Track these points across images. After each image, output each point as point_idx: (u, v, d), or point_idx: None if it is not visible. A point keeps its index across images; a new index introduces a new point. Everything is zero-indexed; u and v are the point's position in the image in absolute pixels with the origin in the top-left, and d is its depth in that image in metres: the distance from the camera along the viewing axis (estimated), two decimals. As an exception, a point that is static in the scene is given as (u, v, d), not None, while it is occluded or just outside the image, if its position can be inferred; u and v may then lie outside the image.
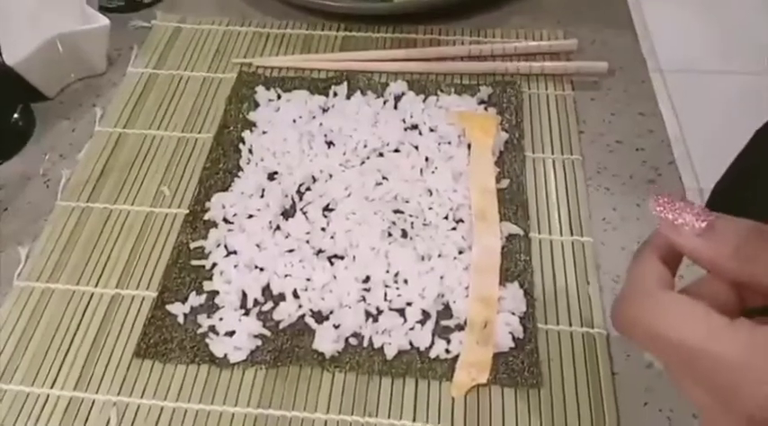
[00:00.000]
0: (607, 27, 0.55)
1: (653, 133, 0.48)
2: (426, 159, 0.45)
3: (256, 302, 0.38)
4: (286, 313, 0.38)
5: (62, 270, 0.40)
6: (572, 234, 0.41)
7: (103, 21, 0.50)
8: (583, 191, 0.44)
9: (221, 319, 0.37)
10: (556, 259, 0.40)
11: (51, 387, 0.35)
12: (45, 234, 0.42)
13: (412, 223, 0.42)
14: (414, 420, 0.34)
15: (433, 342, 0.36)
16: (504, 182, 0.44)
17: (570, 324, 0.37)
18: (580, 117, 0.49)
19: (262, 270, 0.39)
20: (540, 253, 0.40)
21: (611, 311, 0.26)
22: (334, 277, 0.39)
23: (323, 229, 0.41)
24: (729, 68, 1.27)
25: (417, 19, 0.55)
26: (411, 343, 0.36)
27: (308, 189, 0.44)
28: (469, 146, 0.45)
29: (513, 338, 0.36)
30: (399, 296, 0.38)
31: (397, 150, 0.46)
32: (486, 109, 0.48)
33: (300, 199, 0.43)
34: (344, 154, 0.46)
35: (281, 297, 0.38)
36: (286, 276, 0.39)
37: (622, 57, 0.53)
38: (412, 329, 0.37)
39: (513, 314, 0.37)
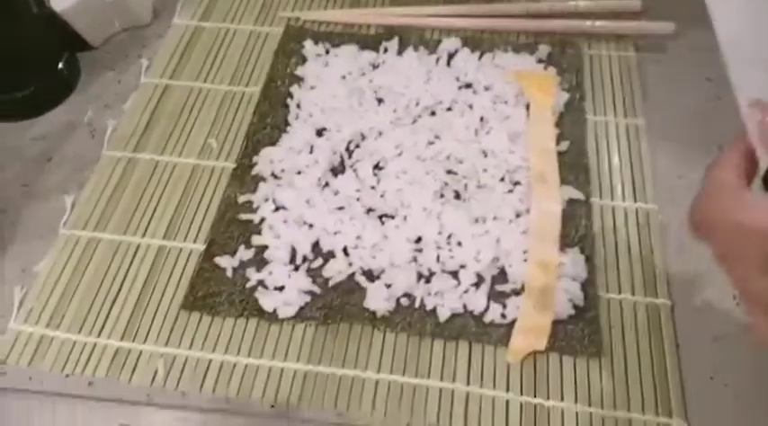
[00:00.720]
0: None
1: (720, 99, 0.45)
2: (481, 119, 0.43)
3: (305, 258, 0.37)
4: (336, 270, 0.36)
5: (108, 219, 0.40)
6: (635, 200, 0.39)
7: (150, -31, 0.49)
8: (647, 157, 0.42)
9: (270, 273, 0.36)
10: (618, 225, 0.38)
11: (98, 336, 0.35)
12: (91, 183, 0.41)
13: (466, 184, 0.40)
14: (467, 383, 0.33)
15: (488, 307, 0.35)
16: (564, 145, 0.42)
17: (633, 293, 0.36)
18: (644, 80, 0.46)
19: (311, 226, 0.38)
20: (602, 219, 0.39)
21: (690, 211, 0.26)
22: (385, 236, 0.38)
23: (372, 188, 0.40)
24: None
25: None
26: (465, 307, 0.35)
27: (358, 146, 0.42)
28: (527, 107, 0.43)
29: (574, 305, 0.35)
30: (452, 258, 0.37)
31: (450, 109, 0.44)
32: (545, 68, 0.46)
33: (350, 156, 0.42)
34: (395, 111, 0.44)
35: (331, 254, 0.37)
36: (336, 233, 0.38)
37: (689, 18, 0.50)
38: (466, 292, 0.36)
39: (574, 280, 0.35)
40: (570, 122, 0.43)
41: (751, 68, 0.28)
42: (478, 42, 0.48)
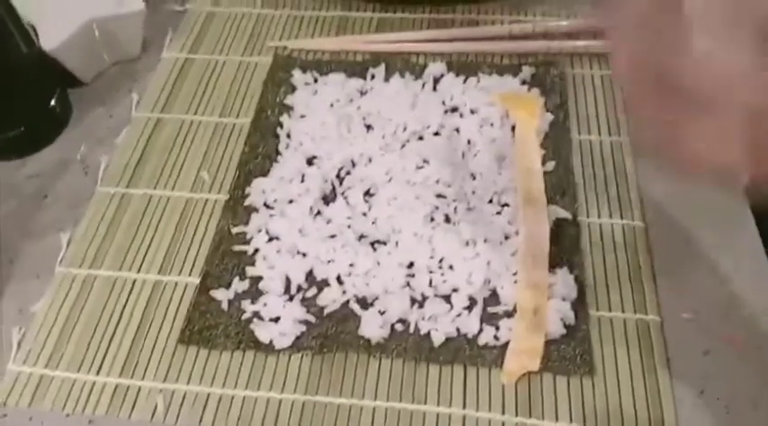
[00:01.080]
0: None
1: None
2: (468, 142, 0.44)
3: (300, 288, 0.38)
4: (330, 299, 0.37)
5: (104, 256, 0.40)
6: (622, 217, 0.40)
7: (139, 5, 0.49)
8: (632, 174, 0.42)
9: (265, 305, 0.37)
10: (606, 243, 0.39)
11: (97, 374, 0.35)
12: (85, 220, 0.42)
13: (455, 207, 0.41)
14: (463, 407, 0.33)
15: (481, 329, 0.35)
16: (550, 165, 0.42)
17: (623, 310, 0.36)
18: (626, 96, 0.47)
19: (304, 255, 0.39)
20: (590, 238, 0.39)
21: None
22: (378, 263, 0.38)
23: (364, 214, 0.41)
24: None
25: (454, -1, 0.54)
26: (458, 330, 0.36)
27: (348, 173, 0.43)
28: (513, 128, 0.44)
29: (565, 325, 0.35)
30: (445, 282, 0.37)
31: (437, 133, 0.45)
32: (528, 89, 0.47)
33: (341, 183, 0.43)
34: (384, 137, 0.45)
35: (325, 282, 0.38)
36: (329, 262, 0.38)
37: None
38: (459, 316, 0.36)
39: (564, 300, 0.36)
40: (555, 142, 0.44)
41: None
42: (463, 66, 0.49)
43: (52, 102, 0.48)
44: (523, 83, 0.47)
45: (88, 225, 0.42)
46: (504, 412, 0.33)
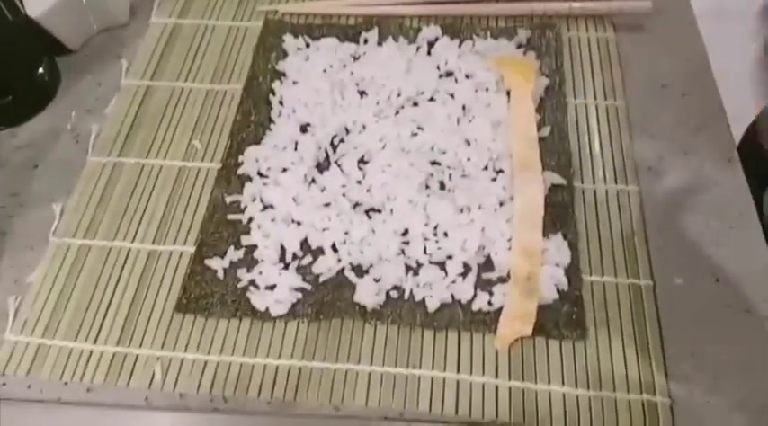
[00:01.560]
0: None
1: (699, 77, 0.46)
2: (463, 108, 0.44)
3: (295, 256, 0.38)
4: (325, 266, 0.37)
5: (97, 226, 0.40)
6: (616, 183, 0.40)
7: (125, -32, 0.48)
8: (627, 139, 0.42)
9: (261, 273, 0.37)
10: (600, 209, 0.39)
11: (94, 343, 0.36)
12: (78, 190, 0.42)
13: (450, 174, 0.41)
14: (458, 372, 0.34)
15: (475, 295, 0.36)
16: (546, 130, 0.42)
17: (615, 275, 0.37)
18: (623, 60, 0.46)
19: (299, 224, 0.39)
20: (584, 203, 0.39)
21: None
22: (373, 230, 0.38)
23: (359, 182, 0.41)
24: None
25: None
26: (453, 296, 0.36)
27: (342, 141, 0.43)
28: (508, 93, 0.44)
29: (558, 290, 0.36)
30: (439, 249, 0.37)
31: (432, 99, 0.44)
32: (524, 53, 0.46)
33: (334, 151, 0.42)
34: (378, 103, 0.44)
35: (320, 250, 0.38)
36: (324, 230, 0.38)
37: (665, -3, 0.50)
38: (453, 282, 0.36)
39: (558, 266, 0.36)
40: (551, 107, 0.43)
41: None
42: (458, 29, 0.48)
43: (40, 71, 0.47)
44: (519, 46, 0.47)
45: (81, 194, 0.41)
46: (497, 376, 0.34)
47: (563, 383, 0.33)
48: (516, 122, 0.41)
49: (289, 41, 0.48)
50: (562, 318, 0.35)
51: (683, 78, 0.45)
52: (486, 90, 0.44)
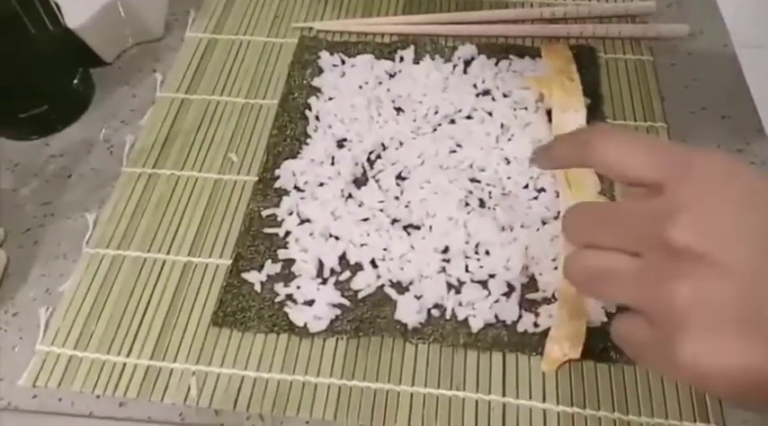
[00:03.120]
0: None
1: (738, 99, 0.45)
2: (501, 126, 0.43)
3: (333, 271, 0.37)
4: (365, 283, 0.36)
5: (132, 236, 0.39)
6: (661, 204, 0.39)
7: (163, -17, 0.48)
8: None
9: (299, 287, 0.36)
10: (645, 230, 0.38)
11: (128, 356, 0.35)
12: (112, 200, 0.41)
13: (490, 192, 0.40)
14: (503, 395, 0.33)
15: (520, 315, 0.35)
16: (586, 150, 0.42)
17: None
18: (661, 83, 0.46)
19: (337, 238, 0.38)
20: (629, 224, 0.38)
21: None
22: (412, 247, 0.37)
23: (396, 198, 0.40)
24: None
25: (483, -20, 0.53)
26: (497, 316, 0.35)
27: (379, 156, 0.42)
28: (549, 112, 0.43)
29: (606, 312, 0.35)
30: (481, 267, 0.37)
31: (469, 117, 0.44)
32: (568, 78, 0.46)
33: (371, 167, 0.42)
34: (415, 120, 0.44)
35: (359, 266, 0.37)
36: (362, 245, 0.38)
37: (701, 19, 0.50)
38: (497, 301, 0.35)
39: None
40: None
41: None
42: (493, 48, 0.48)
43: (75, 81, 0.47)
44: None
45: (115, 205, 0.41)
46: (544, 400, 0.32)
47: (614, 409, 0.32)
48: None
49: (324, 58, 0.48)
50: (611, 341, 0.34)
51: (722, 100, 0.45)
52: (525, 109, 0.44)
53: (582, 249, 0.26)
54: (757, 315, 0.22)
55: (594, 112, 0.44)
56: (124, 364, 0.34)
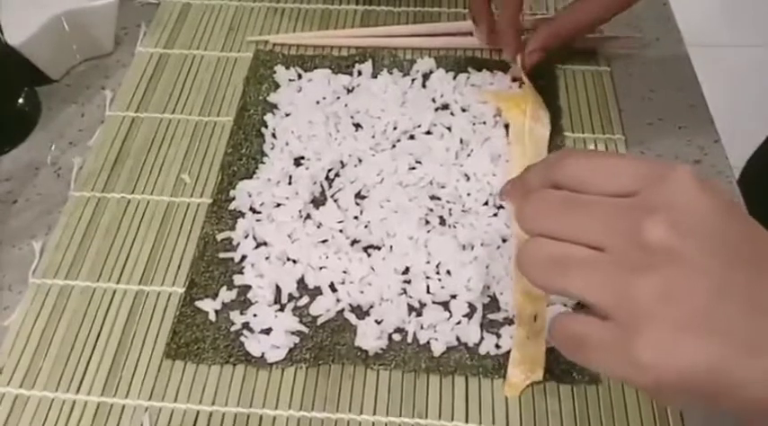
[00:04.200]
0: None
1: (695, 109, 0.46)
2: (461, 141, 0.43)
3: (291, 297, 0.36)
4: (324, 308, 0.35)
5: (80, 265, 0.38)
6: (620, 218, 0.39)
7: (111, -4, 0.47)
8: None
9: (255, 315, 0.35)
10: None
11: (77, 393, 0.33)
12: (59, 226, 0.40)
13: (450, 209, 0.39)
14: (466, 421, 0.32)
15: (482, 337, 0.34)
16: (545, 165, 0.41)
17: (624, 315, 0.35)
18: (618, 94, 0.46)
19: (295, 262, 0.37)
20: (589, 240, 0.38)
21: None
22: (372, 269, 0.37)
23: (356, 218, 0.39)
24: (742, 41, 1.24)
25: (440, -9, 0.53)
26: (458, 339, 0.34)
27: (338, 174, 0.41)
28: (507, 126, 0.43)
29: (567, 331, 0.34)
30: (443, 288, 0.36)
31: (428, 132, 0.43)
32: (519, 86, 0.45)
33: (330, 185, 0.41)
34: (373, 136, 0.43)
35: (318, 290, 0.36)
36: (321, 268, 0.37)
37: (656, 27, 0.51)
38: (458, 323, 0.35)
39: (565, 305, 0.35)
40: (550, 140, 0.43)
41: None
42: (452, 62, 0.47)
43: (20, 101, 0.45)
44: (514, 79, 0.46)
45: (63, 232, 0.39)
46: (508, 424, 0.32)
47: (577, 430, 0.32)
48: (516, 157, 0.41)
49: (280, 72, 0.47)
50: (572, 361, 0.33)
51: (679, 111, 0.45)
52: (484, 123, 0.43)
53: (538, 237, 0.25)
54: (724, 317, 0.22)
55: (552, 125, 0.43)
56: (74, 401, 0.33)
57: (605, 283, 0.23)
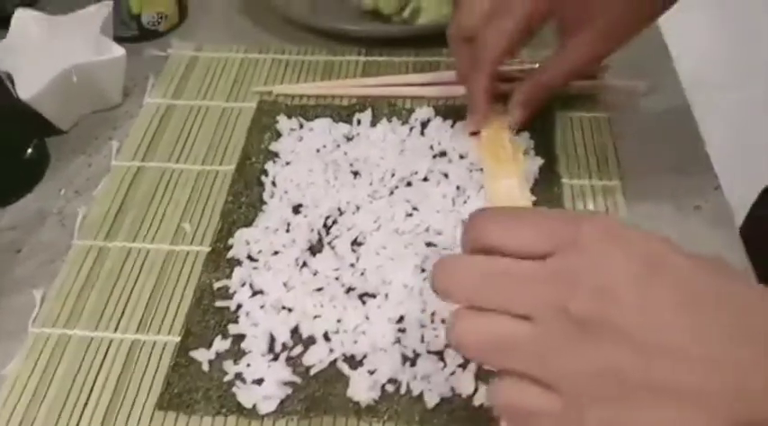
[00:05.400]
0: (639, 45, 0.53)
1: (695, 156, 0.46)
2: (458, 188, 0.43)
3: (285, 346, 0.36)
4: (317, 358, 0.35)
5: (79, 314, 0.38)
6: (618, 266, 0.39)
7: (119, 51, 0.49)
8: (626, 220, 0.41)
9: (248, 365, 0.35)
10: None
11: (69, 444, 0.33)
12: (61, 276, 0.40)
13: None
14: (459, 475, 0.31)
15: (476, 388, 0.34)
16: (542, 212, 0.41)
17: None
18: (617, 140, 0.46)
19: (290, 310, 0.37)
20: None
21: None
22: (367, 317, 0.37)
23: (352, 265, 0.39)
24: (742, 83, 1.24)
25: (440, 41, 0.53)
26: (453, 390, 0.34)
27: (335, 222, 0.42)
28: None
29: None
30: (437, 337, 0.36)
31: (425, 179, 0.44)
32: (517, 133, 0.46)
33: (327, 233, 0.41)
34: (371, 184, 0.44)
35: (311, 340, 0.36)
36: (315, 317, 0.37)
37: (656, 76, 0.51)
38: (452, 374, 0.34)
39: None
40: (546, 187, 0.43)
41: None
42: (450, 110, 0.48)
43: (29, 152, 0.46)
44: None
45: (64, 281, 0.40)
46: (502, 480, 0.31)
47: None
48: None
49: (282, 122, 0.48)
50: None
51: (679, 157, 0.45)
52: (481, 170, 0.44)
53: (466, 311, 0.25)
54: (663, 382, 0.21)
55: (549, 172, 0.44)
56: (66, 453, 0.33)
57: (546, 362, 0.23)
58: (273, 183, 0.44)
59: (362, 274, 0.39)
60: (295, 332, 0.36)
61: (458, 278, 0.25)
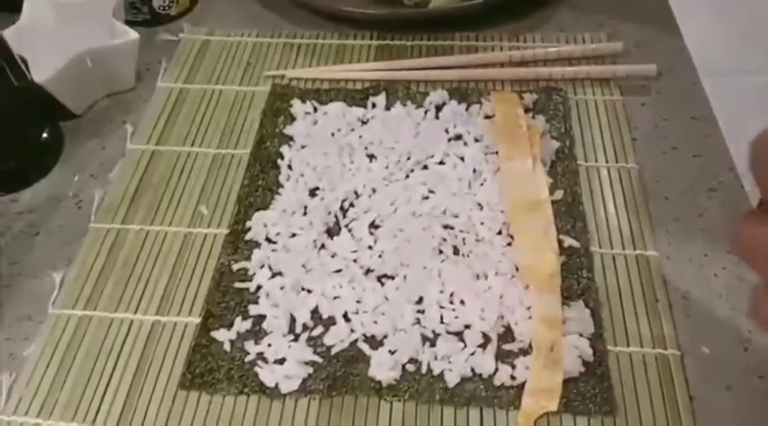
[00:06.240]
0: (651, 27, 0.53)
1: (709, 138, 0.46)
2: (474, 171, 0.43)
3: (305, 326, 0.36)
4: (338, 338, 0.35)
5: (99, 296, 0.38)
6: (635, 248, 0.39)
7: (133, 35, 0.48)
8: (642, 202, 0.41)
9: (270, 345, 0.35)
10: (620, 275, 0.38)
11: (93, 423, 0.33)
12: (79, 258, 0.40)
13: (464, 239, 0.40)
14: (481, 452, 0.32)
15: (497, 368, 0.34)
16: (558, 193, 0.41)
17: (641, 345, 0.35)
18: (631, 123, 0.46)
19: (309, 292, 0.37)
20: (604, 270, 0.38)
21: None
22: (386, 298, 0.37)
23: (370, 247, 0.39)
24: (757, 68, 1.23)
25: (453, 25, 0.53)
26: (473, 370, 0.34)
27: (352, 205, 0.42)
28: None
29: (583, 362, 0.34)
30: (456, 318, 0.36)
31: (441, 162, 0.44)
32: (533, 117, 0.46)
33: (344, 215, 0.41)
34: (387, 167, 0.44)
35: (332, 320, 0.36)
36: (335, 298, 0.37)
37: (669, 58, 0.51)
38: (473, 354, 0.35)
39: (581, 335, 0.35)
40: (562, 170, 0.43)
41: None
42: (464, 93, 0.48)
43: (44, 135, 0.46)
44: (526, 110, 0.46)
45: (82, 263, 0.40)
46: (523, 457, 0.31)
47: (594, 463, 0.31)
48: (514, 187, 0.41)
49: (296, 106, 0.48)
50: (589, 392, 0.33)
51: (693, 139, 0.45)
52: (496, 153, 0.44)
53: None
54: None
55: (565, 155, 0.44)
56: (89, 432, 0.33)
57: None
58: (289, 167, 0.44)
59: (380, 256, 0.39)
60: (315, 312, 0.37)
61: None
